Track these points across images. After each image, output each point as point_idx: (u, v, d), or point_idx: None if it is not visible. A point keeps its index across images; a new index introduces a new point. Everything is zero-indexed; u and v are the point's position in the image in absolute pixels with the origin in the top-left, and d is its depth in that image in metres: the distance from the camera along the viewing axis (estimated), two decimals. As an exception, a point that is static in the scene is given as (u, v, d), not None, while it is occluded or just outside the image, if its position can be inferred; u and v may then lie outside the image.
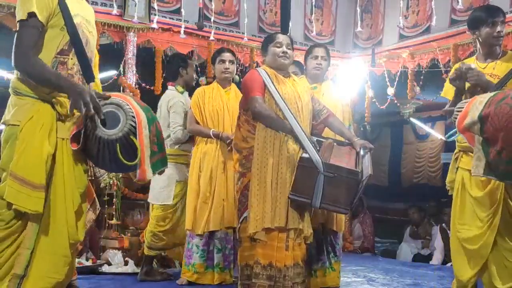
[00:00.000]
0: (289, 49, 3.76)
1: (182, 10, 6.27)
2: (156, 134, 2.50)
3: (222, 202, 4.44)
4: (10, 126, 2.40)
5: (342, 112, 4.32)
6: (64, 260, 2.42)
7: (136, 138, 2.38)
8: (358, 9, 7.20)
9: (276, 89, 3.59)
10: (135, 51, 6.10)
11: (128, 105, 2.40)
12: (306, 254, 3.71)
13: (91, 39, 2.59)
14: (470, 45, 6.07)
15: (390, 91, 7.13)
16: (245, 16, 6.68)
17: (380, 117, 9.03)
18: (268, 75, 3.65)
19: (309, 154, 3.44)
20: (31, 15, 2.36)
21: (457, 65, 3.32)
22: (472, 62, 3.41)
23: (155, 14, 6.12)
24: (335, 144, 3.72)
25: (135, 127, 2.38)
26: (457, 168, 3.52)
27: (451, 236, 3.58)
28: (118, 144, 2.35)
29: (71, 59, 2.48)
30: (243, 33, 6.69)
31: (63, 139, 2.43)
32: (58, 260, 2.40)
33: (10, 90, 2.46)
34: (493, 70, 3.30)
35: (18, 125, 2.36)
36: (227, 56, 4.66)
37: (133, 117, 2.38)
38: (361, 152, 3.61)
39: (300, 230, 3.56)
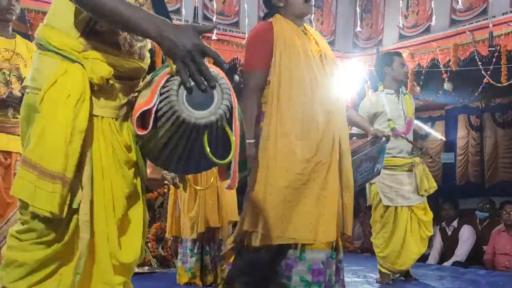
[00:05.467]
0: None
1: (183, 9, 6.28)
2: (242, 125, 1.73)
3: (213, 198, 4.47)
4: (30, 94, 1.66)
5: None
6: None
7: (230, 127, 1.62)
8: (358, 9, 7.22)
9: None
10: (135, 51, 6.11)
11: (223, 78, 1.59)
12: None
13: None
14: (470, 45, 6.09)
15: (390, 91, 7.12)
16: (246, 16, 6.68)
17: (380, 117, 9.02)
18: None
19: None
20: None
21: None
22: None
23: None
24: (354, 138, 3.76)
25: (230, 111, 1.60)
26: None
27: None
28: (206, 133, 1.58)
29: None
30: (243, 33, 6.70)
31: (100, 117, 1.68)
32: None
33: (34, 43, 1.75)
34: None
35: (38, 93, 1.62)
36: None
37: (230, 95, 1.58)
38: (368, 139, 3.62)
39: None
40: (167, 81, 1.56)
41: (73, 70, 1.62)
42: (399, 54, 4.91)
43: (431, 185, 4.57)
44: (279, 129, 2.65)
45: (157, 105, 1.54)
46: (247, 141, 2.45)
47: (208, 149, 1.57)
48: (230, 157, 1.62)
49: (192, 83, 1.50)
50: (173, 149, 1.64)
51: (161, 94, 1.55)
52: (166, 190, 5.77)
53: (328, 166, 2.65)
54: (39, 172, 1.55)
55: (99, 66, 1.64)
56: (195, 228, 4.46)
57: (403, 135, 4.51)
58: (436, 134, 10.16)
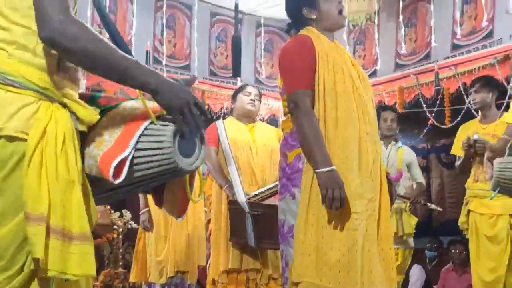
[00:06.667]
0: (256, 99, 3.90)
1: (133, 54, 6.26)
2: None
3: (183, 242, 4.38)
4: (3, 140, 1.39)
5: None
6: None
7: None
8: (307, 53, 7.35)
9: (226, 138, 3.73)
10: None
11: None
12: None
13: None
14: (415, 88, 6.28)
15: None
16: (196, 59, 6.73)
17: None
18: (224, 126, 3.79)
19: (236, 197, 3.51)
20: None
21: (464, 137, 3.78)
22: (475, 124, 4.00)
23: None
24: None
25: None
26: (468, 211, 3.98)
27: (473, 274, 3.97)
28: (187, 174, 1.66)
29: None
30: (194, 75, 6.72)
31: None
32: None
33: None
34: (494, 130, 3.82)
35: (24, 140, 1.39)
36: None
37: (205, 139, 1.64)
38: None
39: (264, 271, 3.61)
40: (145, 129, 1.52)
41: (61, 115, 1.45)
42: (385, 109, 5.08)
43: (406, 231, 4.62)
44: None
45: (133, 153, 1.49)
46: (326, 169, 2.17)
47: (189, 189, 1.67)
48: (199, 198, 1.91)
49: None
50: (132, 188, 1.64)
51: (138, 142, 1.51)
52: (115, 235, 5.63)
53: (379, 204, 2.31)
54: (65, 237, 1.36)
55: (82, 110, 1.52)
56: (164, 272, 4.35)
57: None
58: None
